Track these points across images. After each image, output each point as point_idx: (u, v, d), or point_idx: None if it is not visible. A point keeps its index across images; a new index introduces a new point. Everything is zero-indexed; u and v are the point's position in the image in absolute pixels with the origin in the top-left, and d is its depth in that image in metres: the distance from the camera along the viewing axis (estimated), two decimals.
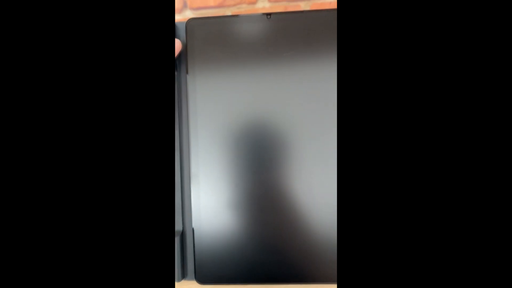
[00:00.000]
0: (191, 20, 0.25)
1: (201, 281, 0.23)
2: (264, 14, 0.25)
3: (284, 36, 0.24)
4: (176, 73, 0.26)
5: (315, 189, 0.24)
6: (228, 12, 0.41)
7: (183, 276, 0.24)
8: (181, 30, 0.26)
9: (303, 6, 0.42)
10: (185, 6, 0.41)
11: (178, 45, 0.25)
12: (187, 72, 0.25)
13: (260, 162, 0.24)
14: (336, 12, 0.24)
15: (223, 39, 0.25)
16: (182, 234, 0.24)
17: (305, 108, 0.24)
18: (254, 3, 0.41)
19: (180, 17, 0.43)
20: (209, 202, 0.24)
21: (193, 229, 0.24)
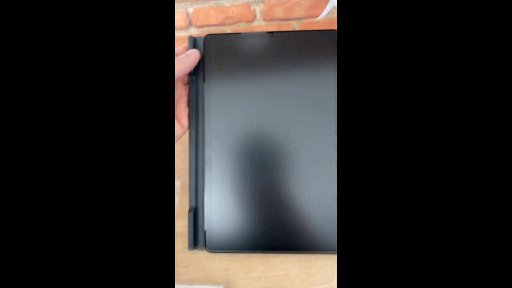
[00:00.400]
0: (209, 35, 0.31)
1: (210, 248, 0.28)
2: (267, 32, 0.30)
3: (283, 50, 0.30)
4: (195, 80, 0.31)
5: (315, 178, 0.29)
6: (229, 29, 0.47)
7: (195, 245, 0.29)
8: (199, 43, 0.31)
9: (294, 25, 0.48)
10: (190, 24, 0.47)
11: (197, 55, 0.30)
12: (204, 81, 0.30)
13: (265, 157, 0.29)
14: (329, 32, 0.30)
15: (235, 51, 0.30)
16: (195, 210, 0.29)
17: (306, 114, 0.29)
18: (251, 21, 0.47)
19: (186, 33, 0.48)
20: (219, 184, 0.29)
21: (204, 204, 0.29)
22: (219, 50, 0.30)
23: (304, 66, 0.29)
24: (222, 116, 0.29)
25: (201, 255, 0.30)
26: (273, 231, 0.28)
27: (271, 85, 0.29)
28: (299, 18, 0.47)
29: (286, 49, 0.30)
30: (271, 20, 0.47)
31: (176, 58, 0.28)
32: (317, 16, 0.46)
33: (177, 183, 0.35)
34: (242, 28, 0.48)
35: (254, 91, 0.29)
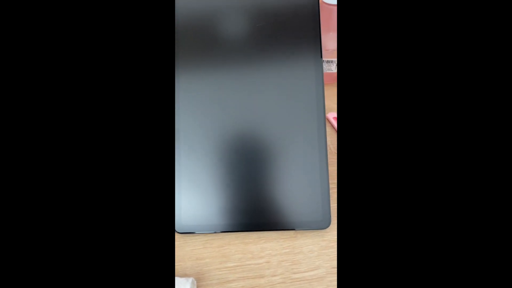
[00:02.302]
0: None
1: (180, 230, 0.25)
2: None
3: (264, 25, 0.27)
4: None
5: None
6: None
7: None
8: None
9: None
10: None
11: None
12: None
13: (240, 137, 0.27)
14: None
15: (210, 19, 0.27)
16: None
17: (285, 107, 0.26)
18: None
19: None
20: (190, 157, 0.26)
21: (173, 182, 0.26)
22: (190, 7, 0.27)
23: (284, 45, 0.27)
24: (195, 108, 0.27)
25: None
26: (250, 208, 0.25)
27: (252, 76, 0.27)
28: None
29: (267, 26, 0.28)
30: None
31: None
32: None
33: None
34: None
35: (233, 84, 0.27)
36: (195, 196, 0.26)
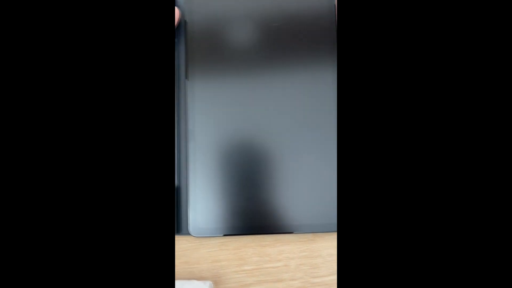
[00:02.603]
0: None
1: (195, 233, 0.24)
2: None
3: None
4: (176, 44, 0.26)
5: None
6: None
7: (177, 231, 0.25)
8: (180, 1, 0.26)
9: None
10: None
11: (177, 15, 0.25)
12: (186, 78, 0.25)
13: (256, 140, 0.25)
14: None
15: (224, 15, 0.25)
16: (177, 190, 0.25)
17: (299, 116, 0.25)
18: None
19: None
20: (206, 156, 0.25)
21: (187, 184, 0.25)
22: (203, 11, 0.26)
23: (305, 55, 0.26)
24: (207, 111, 0.25)
25: (185, 245, 0.26)
26: (266, 210, 0.24)
27: (266, 82, 0.25)
28: None
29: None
30: None
31: None
32: None
33: None
34: None
35: (247, 91, 0.25)
36: (210, 198, 0.25)
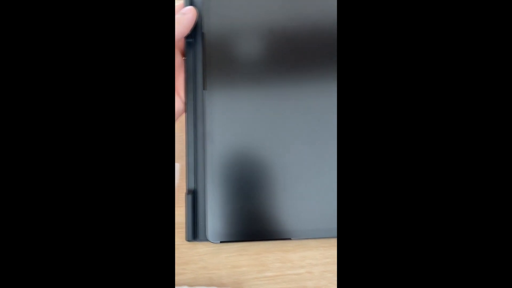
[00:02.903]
0: None
1: (213, 239, 0.23)
2: None
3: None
4: (193, 43, 0.26)
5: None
6: None
7: (195, 236, 0.24)
8: (197, 1, 0.26)
9: None
10: None
11: (194, 13, 0.24)
12: (205, 88, 0.25)
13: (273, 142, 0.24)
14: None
15: (242, 15, 0.25)
16: (194, 193, 0.24)
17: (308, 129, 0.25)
18: None
19: None
20: (224, 159, 0.24)
21: (204, 188, 0.24)
22: (221, 12, 0.25)
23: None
24: (225, 130, 0.25)
25: (204, 250, 0.25)
26: (288, 215, 0.23)
27: (284, 91, 0.25)
28: None
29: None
30: None
31: None
32: None
33: (177, 166, 0.29)
34: None
35: (266, 100, 0.25)
36: (231, 199, 0.23)
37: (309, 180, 0.24)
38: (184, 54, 0.26)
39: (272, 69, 0.25)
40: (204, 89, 0.25)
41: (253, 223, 0.23)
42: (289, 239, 0.23)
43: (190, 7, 0.25)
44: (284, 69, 0.25)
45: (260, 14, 0.25)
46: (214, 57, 0.25)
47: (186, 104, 0.25)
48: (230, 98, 0.25)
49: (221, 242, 0.23)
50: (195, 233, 0.24)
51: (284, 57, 0.25)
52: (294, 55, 0.25)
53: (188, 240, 0.23)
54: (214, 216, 0.23)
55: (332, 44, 0.25)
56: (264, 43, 0.25)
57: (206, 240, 0.23)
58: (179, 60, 0.26)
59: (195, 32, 0.26)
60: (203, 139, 0.24)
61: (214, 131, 0.24)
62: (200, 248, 0.25)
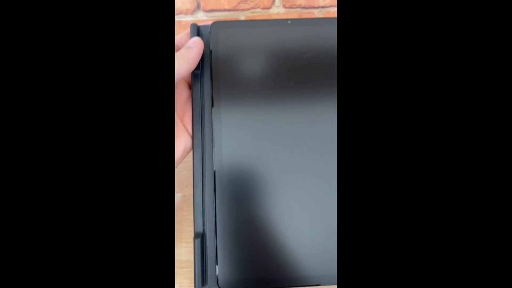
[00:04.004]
0: (216, 23, 0.25)
1: (225, 286, 0.22)
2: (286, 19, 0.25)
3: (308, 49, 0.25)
4: (199, 75, 0.25)
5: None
6: (242, 16, 0.41)
7: (203, 283, 0.23)
8: (205, 32, 0.25)
9: (317, 14, 0.42)
10: (198, 7, 0.41)
11: (200, 46, 0.24)
12: (212, 105, 0.24)
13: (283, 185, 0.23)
14: None
15: (249, 46, 0.25)
16: (203, 237, 0.23)
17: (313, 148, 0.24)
18: (268, 7, 0.41)
19: (192, 18, 0.42)
20: (232, 203, 0.23)
21: (215, 230, 0.23)
22: (228, 43, 0.25)
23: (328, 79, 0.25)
24: (233, 148, 0.24)
25: None
26: (303, 261, 0.22)
27: (292, 110, 0.24)
28: (323, 6, 0.41)
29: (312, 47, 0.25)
30: (291, 7, 0.41)
31: (176, 54, 0.22)
32: None
33: (178, 195, 0.28)
34: (258, 15, 0.41)
35: (274, 119, 0.24)
36: (243, 244, 0.23)
37: (329, 213, 0.23)
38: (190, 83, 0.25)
39: (282, 87, 0.25)
40: (211, 106, 0.24)
41: (271, 268, 0.22)
42: (318, 285, 0.23)
43: (196, 39, 0.24)
44: (293, 87, 0.25)
45: (267, 32, 0.25)
46: (222, 74, 0.25)
47: (193, 138, 0.24)
48: (239, 116, 0.24)
49: None
50: (204, 280, 0.23)
51: (292, 75, 0.25)
52: (301, 74, 0.25)
53: None
54: (225, 261, 0.22)
55: (335, 63, 0.25)
56: (271, 61, 0.25)
57: (216, 286, 0.22)
58: (187, 94, 0.25)
59: (202, 62, 0.25)
60: (212, 176, 0.23)
61: (224, 162, 0.23)
62: None
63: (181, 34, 0.25)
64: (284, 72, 0.25)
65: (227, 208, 0.23)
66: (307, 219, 0.23)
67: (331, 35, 0.25)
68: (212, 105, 0.24)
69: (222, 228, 0.23)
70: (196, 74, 0.25)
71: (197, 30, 0.25)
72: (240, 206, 0.23)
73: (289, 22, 0.25)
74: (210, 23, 0.25)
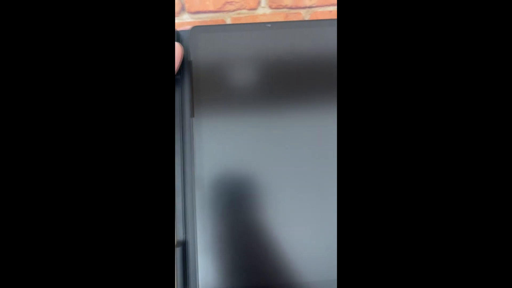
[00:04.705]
0: (195, 28, 0.25)
1: None
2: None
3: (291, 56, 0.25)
4: (180, 80, 0.25)
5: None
6: (228, 17, 0.41)
7: None
8: (184, 37, 0.25)
9: (304, 14, 0.41)
10: (182, 9, 0.40)
11: (179, 51, 0.23)
12: (192, 116, 0.24)
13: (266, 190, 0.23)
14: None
15: (230, 52, 0.24)
16: (184, 245, 0.23)
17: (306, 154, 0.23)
18: (254, 8, 0.40)
19: (178, 20, 0.41)
20: (214, 208, 0.22)
21: (197, 237, 0.22)
22: (208, 48, 0.25)
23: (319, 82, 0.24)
24: (215, 158, 0.24)
25: None
26: (290, 270, 0.22)
27: (276, 119, 0.24)
28: (310, 7, 0.41)
29: (294, 53, 0.25)
30: (277, 8, 0.40)
31: None
32: (333, 4, 0.39)
33: None
34: (244, 16, 0.41)
35: (256, 128, 0.24)
36: (221, 252, 0.22)
37: (316, 219, 0.23)
38: None
39: (265, 95, 0.24)
40: (191, 116, 0.24)
41: (255, 276, 0.22)
42: None
43: (175, 45, 0.23)
44: (277, 95, 0.24)
45: (248, 40, 0.25)
46: (202, 84, 0.24)
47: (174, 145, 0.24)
48: (220, 127, 0.24)
49: None
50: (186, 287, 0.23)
51: (276, 83, 0.24)
52: (285, 82, 0.24)
53: None
54: (207, 270, 0.22)
55: (325, 69, 0.25)
56: (253, 69, 0.24)
57: None
58: None
59: (182, 67, 0.24)
60: (192, 184, 0.23)
61: (204, 172, 0.23)
62: None
63: None
64: (266, 78, 0.24)
65: (208, 216, 0.22)
66: (289, 226, 0.23)
67: (314, 38, 0.25)
68: (193, 115, 0.23)
69: (204, 236, 0.22)
70: (177, 79, 0.24)
71: (177, 36, 0.24)
72: (222, 214, 0.23)
73: (269, 25, 0.25)
74: (189, 27, 0.24)
